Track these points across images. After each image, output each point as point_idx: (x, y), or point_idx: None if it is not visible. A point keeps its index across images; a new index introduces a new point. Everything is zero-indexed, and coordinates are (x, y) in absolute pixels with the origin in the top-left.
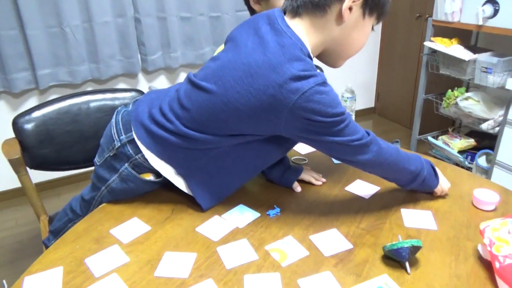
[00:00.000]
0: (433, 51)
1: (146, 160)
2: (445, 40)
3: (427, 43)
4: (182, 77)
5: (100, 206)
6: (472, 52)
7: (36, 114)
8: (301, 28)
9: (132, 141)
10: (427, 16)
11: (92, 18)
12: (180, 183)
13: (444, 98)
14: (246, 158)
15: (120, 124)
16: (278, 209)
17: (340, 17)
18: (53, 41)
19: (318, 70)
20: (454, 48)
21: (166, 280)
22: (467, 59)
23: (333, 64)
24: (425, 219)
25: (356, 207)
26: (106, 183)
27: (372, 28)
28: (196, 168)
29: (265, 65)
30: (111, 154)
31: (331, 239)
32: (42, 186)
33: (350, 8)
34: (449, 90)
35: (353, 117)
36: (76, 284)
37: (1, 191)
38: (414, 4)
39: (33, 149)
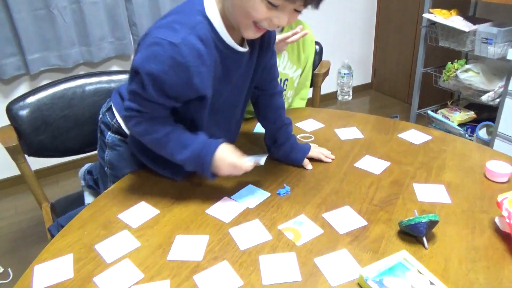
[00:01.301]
0: (432, 23)
1: (120, 124)
2: (444, 11)
3: (426, 15)
4: None
5: (105, 191)
6: (472, 23)
7: (30, 99)
8: None
9: (110, 109)
10: None
11: None
12: None
13: (443, 71)
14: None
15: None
16: (288, 188)
17: None
18: (41, 24)
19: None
20: (453, 19)
21: (180, 264)
22: (467, 30)
23: (240, 31)
24: (438, 193)
25: (367, 183)
26: (104, 160)
27: None
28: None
29: None
30: (99, 132)
31: (345, 217)
32: (41, 173)
33: None
34: (449, 63)
35: (351, 93)
36: (87, 271)
37: None
38: None
39: (29, 135)
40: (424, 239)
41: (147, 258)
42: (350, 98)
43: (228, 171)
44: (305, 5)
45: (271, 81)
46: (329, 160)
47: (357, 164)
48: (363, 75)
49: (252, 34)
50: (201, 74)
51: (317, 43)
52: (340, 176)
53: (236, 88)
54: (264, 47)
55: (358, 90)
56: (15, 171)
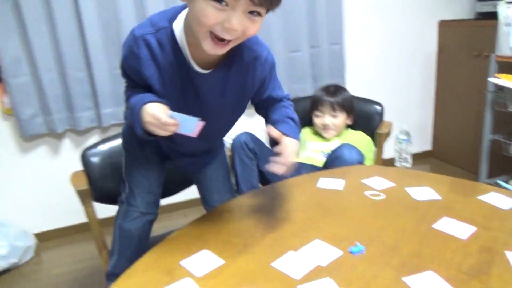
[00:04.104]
0: (500, 88)
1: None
2: (511, 76)
3: (492, 80)
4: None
5: (168, 237)
6: None
7: (102, 147)
8: None
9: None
10: (486, 54)
11: None
12: None
13: None
14: None
15: None
16: (362, 247)
17: None
18: (116, 81)
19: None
20: None
21: None
22: None
23: (202, 46)
24: None
25: (451, 248)
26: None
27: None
28: None
29: None
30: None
31: (429, 283)
32: (104, 223)
33: None
34: None
35: (410, 160)
36: None
37: (57, 228)
38: (470, 43)
39: (98, 181)
40: None
41: None
42: (409, 165)
43: (150, 123)
44: (254, 4)
45: (268, 100)
46: (277, 169)
47: (435, 226)
48: (422, 142)
49: (210, 47)
50: (150, 68)
51: (378, 103)
52: (418, 237)
53: (199, 101)
54: (247, 78)
55: (417, 158)
56: (75, 220)
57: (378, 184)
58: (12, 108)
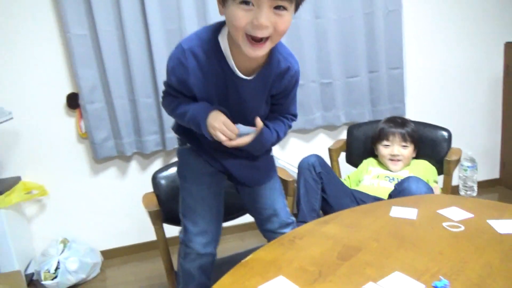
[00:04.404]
0: None
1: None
2: None
3: None
4: (292, 141)
5: (243, 261)
6: None
7: (172, 170)
8: None
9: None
10: None
11: None
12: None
13: None
14: None
15: None
16: (446, 282)
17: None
18: None
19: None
20: None
21: None
22: None
23: (243, 51)
24: None
25: None
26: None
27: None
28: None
29: None
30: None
31: None
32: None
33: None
34: None
35: (475, 188)
36: None
37: (122, 246)
38: None
39: (167, 203)
40: None
41: None
42: (474, 194)
43: (218, 128)
44: None
45: (278, 108)
46: (223, 138)
47: None
48: (489, 169)
49: (250, 50)
50: (196, 77)
51: (445, 129)
52: (508, 274)
53: (240, 105)
54: (276, 85)
55: (483, 186)
56: (139, 239)
57: (455, 214)
58: (87, 132)
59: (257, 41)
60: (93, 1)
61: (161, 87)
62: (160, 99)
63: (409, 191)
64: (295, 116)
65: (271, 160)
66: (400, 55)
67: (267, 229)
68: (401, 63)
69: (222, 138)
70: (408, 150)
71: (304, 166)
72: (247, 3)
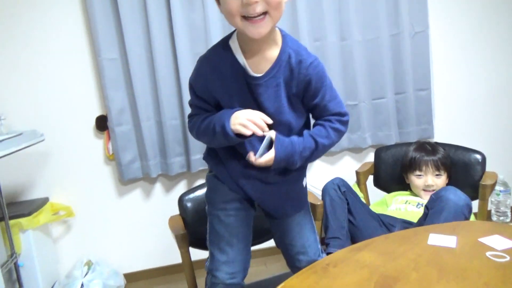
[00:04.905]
0: None
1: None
2: None
3: None
4: (316, 163)
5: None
6: None
7: (198, 193)
8: None
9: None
10: None
11: None
12: None
13: None
14: None
15: None
16: None
17: None
18: None
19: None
20: None
21: None
22: None
23: (246, 35)
24: None
25: None
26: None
27: None
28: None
29: None
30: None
31: None
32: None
33: None
34: None
35: (509, 214)
36: None
37: (145, 269)
38: None
39: (193, 226)
40: None
41: None
42: (508, 219)
43: (247, 116)
44: None
45: (317, 107)
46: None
47: None
48: None
49: (251, 29)
50: (214, 82)
51: (478, 152)
52: None
53: (257, 107)
54: (293, 82)
55: None
56: (163, 262)
57: (498, 243)
58: (114, 154)
59: (253, 18)
60: (124, 26)
61: (187, 109)
62: (186, 120)
63: (447, 199)
64: (340, 114)
65: (302, 189)
66: (428, 76)
67: (295, 266)
68: (429, 84)
69: (252, 128)
70: (441, 179)
71: (329, 186)
72: None
